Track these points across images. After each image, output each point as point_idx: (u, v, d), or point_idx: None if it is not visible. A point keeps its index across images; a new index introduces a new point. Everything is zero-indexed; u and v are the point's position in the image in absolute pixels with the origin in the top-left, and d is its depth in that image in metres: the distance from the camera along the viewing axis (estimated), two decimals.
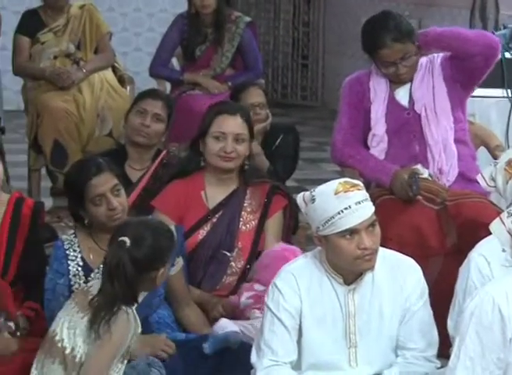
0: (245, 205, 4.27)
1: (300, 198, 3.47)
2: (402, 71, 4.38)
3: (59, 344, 3.40)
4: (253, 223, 4.26)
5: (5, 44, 6.92)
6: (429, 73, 4.48)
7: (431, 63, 4.49)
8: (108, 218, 3.86)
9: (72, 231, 4.02)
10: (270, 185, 4.31)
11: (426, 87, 4.46)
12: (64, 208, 6.05)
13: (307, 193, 3.43)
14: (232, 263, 4.21)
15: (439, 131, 4.42)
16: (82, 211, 3.91)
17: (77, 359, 3.38)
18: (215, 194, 4.27)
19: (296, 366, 3.42)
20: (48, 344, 3.44)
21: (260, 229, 4.26)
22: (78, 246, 3.91)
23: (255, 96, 5.31)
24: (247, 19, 6.47)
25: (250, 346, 3.50)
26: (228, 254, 4.20)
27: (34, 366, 3.46)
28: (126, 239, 3.38)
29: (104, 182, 3.87)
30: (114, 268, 3.35)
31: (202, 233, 4.22)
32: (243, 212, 4.25)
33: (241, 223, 4.24)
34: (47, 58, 6.30)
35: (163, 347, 3.70)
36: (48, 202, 6.23)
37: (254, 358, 3.41)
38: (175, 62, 6.64)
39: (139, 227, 3.48)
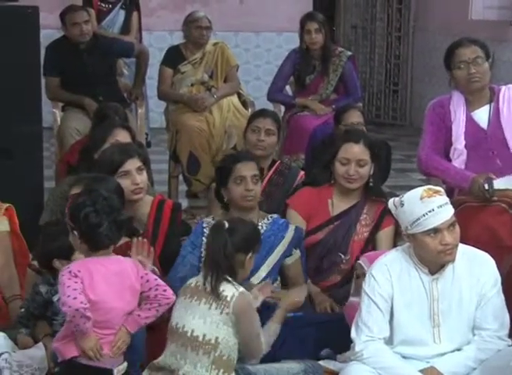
0: (361, 218, 4.19)
1: (391, 202, 3.42)
2: (472, 71, 4.22)
3: (188, 334, 3.28)
4: (364, 234, 4.19)
5: (151, 74, 7.00)
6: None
7: (509, 91, 4.35)
8: (242, 197, 3.89)
9: (212, 216, 4.06)
10: (385, 206, 4.13)
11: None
12: (197, 208, 6.14)
13: (397, 199, 3.38)
14: (341, 265, 4.17)
15: None
16: (224, 190, 3.94)
17: (213, 341, 3.26)
18: (339, 203, 4.20)
19: (389, 341, 3.38)
20: (182, 340, 3.30)
21: (369, 241, 4.18)
22: None
23: (355, 116, 5.29)
24: (349, 53, 6.42)
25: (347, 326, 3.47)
26: (342, 256, 4.15)
27: (167, 355, 3.33)
28: (225, 222, 3.39)
29: (247, 168, 3.94)
30: (214, 243, 3.34)
31: (321, 234, 4.17)
32: (358, 224, 4.19)
33: (354, 233, 4.18)
34: (185, 85, 6.36)
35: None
36: (184, 203, 6.29)
37: (353, 334, 3.37)
38: (288, 89, 6.64)
39: (234, 220, 3.49)
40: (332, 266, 4.16)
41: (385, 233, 4.18)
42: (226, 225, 3.37)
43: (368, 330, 3.33)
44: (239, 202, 3.91)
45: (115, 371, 3.20)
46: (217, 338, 3.26)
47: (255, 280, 3.86)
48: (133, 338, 3.29)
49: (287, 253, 3.98)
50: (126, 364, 3.27)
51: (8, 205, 4.09)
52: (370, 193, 4.21)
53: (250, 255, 3.40)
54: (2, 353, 3.46)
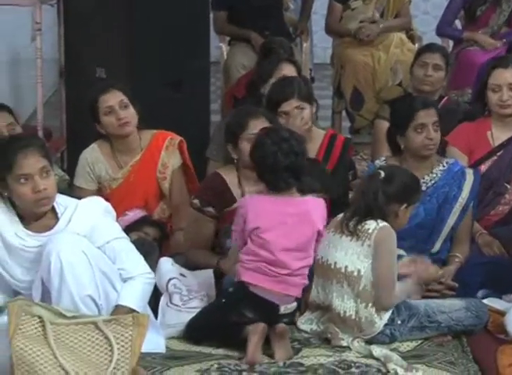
0: None
1: None
2: None
3: (332, 267, 3.39)
4: None
5: (316, 9, 6.99)
6: None
7: None
8: (423, 146, 3.82)
9: (383, 158, 4.02)
10: None
11: None
12: (360, 144, 6.13)
13: None
14: (507, 195, 4.10)
15: None
16: (400, 137, 3.87)
17: (355, 273, 3.34)
18: (499, 134, 4.15)
19: None
20: (327, 274, 3.41)
21: None
22: None
23: None
24: None
25: None
26: (508, 186, 4.09)
27: (314, 289, 3.46)
28: (381, 172, 3.42)
29: (429, 114, 3.84)
30: (367, 189, 3.39)
31: (484, 167, 4.12)
32: None
33: None
34: (354, 22, 6.31)
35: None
36: None
37: None
38: (458, 23, 6.50)
39: (392, 169, 3.53)
40: (496, 197, 4.11)
41: None
42: (382, 175, 3.40)
43: None
44: (419, 151, 3.85)
45: (282, 308, 3.31)
46: (359, 271, 3.32)
47: (438, 243, 3.85)
48: None
49: (466, 208, 3.88)
50: (295, 304, 3.36)
51: (180, 138, 4.21)
52: None
53: (404, 205, 3.42)
54: (171, 279, 3.58)
